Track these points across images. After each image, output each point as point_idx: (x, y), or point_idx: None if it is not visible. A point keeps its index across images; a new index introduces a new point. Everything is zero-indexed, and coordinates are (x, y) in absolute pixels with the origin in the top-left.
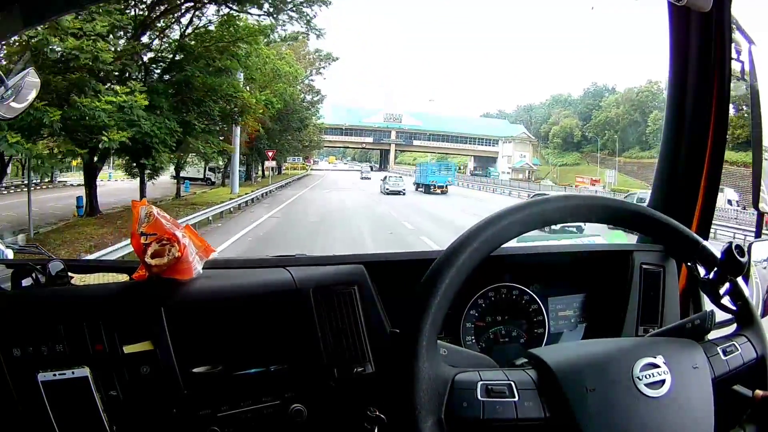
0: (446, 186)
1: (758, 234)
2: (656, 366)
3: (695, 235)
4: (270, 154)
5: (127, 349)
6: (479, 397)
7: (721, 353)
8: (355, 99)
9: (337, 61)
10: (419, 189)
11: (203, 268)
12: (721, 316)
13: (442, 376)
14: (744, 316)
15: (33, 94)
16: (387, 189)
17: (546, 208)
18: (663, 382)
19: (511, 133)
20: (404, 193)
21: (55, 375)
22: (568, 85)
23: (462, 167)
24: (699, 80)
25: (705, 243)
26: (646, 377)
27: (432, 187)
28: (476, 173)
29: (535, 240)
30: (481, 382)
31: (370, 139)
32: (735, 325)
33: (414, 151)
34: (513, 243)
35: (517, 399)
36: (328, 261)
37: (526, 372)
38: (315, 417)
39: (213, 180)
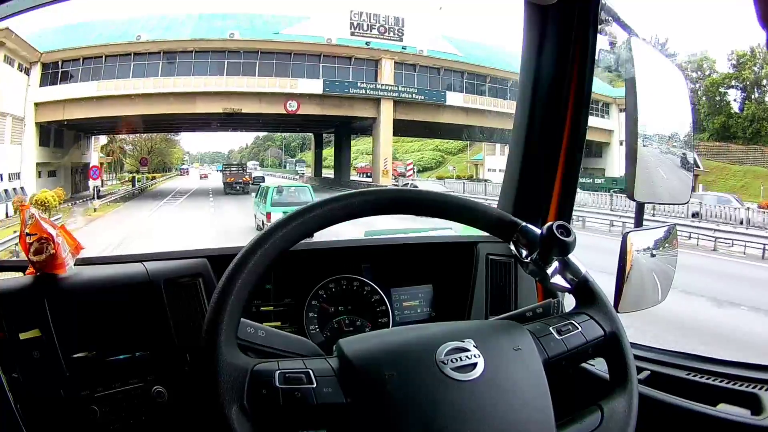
0: None
1: (638, 224)
2: (464, 350)
3: (513, 217)
4: None
5: (22, 335)
6: (277, 384)
7: (554, 333)
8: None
9: None
10: None
11: (75, 264)
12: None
13: (242, 367)
14: (582, 295)
15: None
16: None
17: (344, 204)
18: (474, 365)
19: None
20: None
21: None
22: None
23: (407, 171)
24: (555, 74)
25: (526, 224)
26: (452, 361)
27: None
28: None
29: (383, 233)
30: (279, 371)
31: (317, 85)
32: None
33: (445, 128)
34: (359, 234)
35: (315, 386)
36: (178, 255)
37: (327, 360)
38: (175, 398)
39: None
